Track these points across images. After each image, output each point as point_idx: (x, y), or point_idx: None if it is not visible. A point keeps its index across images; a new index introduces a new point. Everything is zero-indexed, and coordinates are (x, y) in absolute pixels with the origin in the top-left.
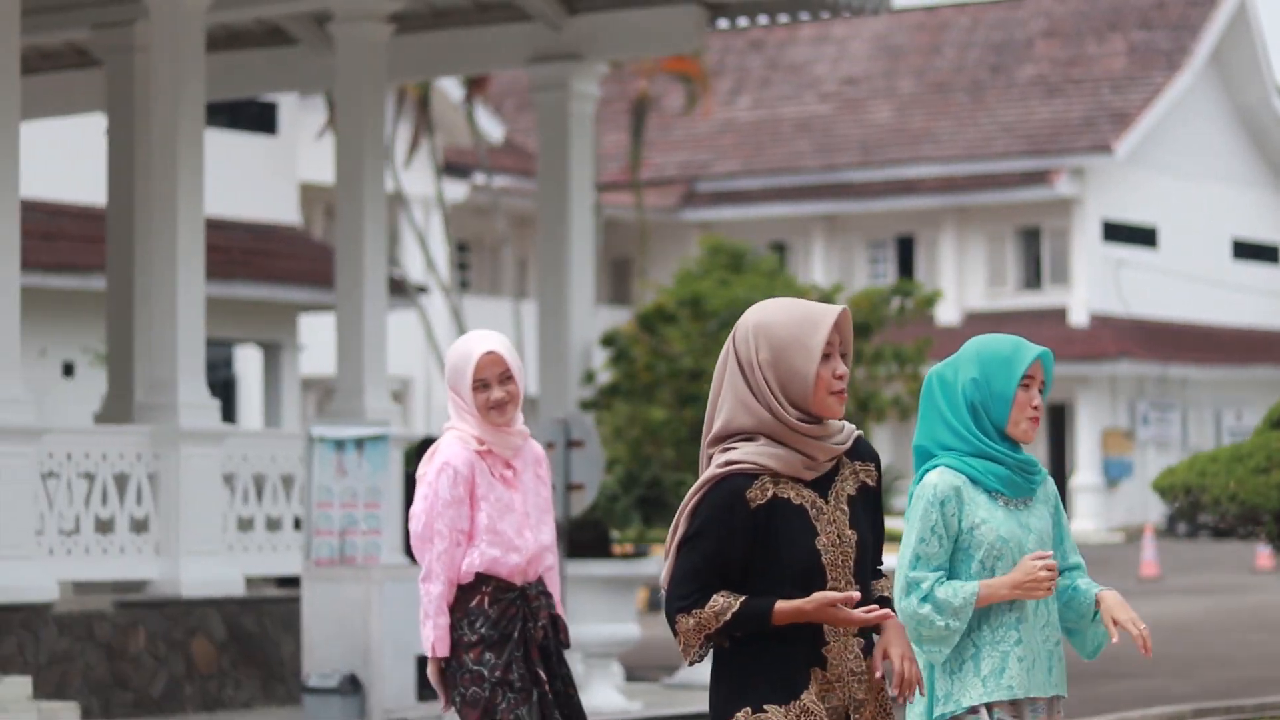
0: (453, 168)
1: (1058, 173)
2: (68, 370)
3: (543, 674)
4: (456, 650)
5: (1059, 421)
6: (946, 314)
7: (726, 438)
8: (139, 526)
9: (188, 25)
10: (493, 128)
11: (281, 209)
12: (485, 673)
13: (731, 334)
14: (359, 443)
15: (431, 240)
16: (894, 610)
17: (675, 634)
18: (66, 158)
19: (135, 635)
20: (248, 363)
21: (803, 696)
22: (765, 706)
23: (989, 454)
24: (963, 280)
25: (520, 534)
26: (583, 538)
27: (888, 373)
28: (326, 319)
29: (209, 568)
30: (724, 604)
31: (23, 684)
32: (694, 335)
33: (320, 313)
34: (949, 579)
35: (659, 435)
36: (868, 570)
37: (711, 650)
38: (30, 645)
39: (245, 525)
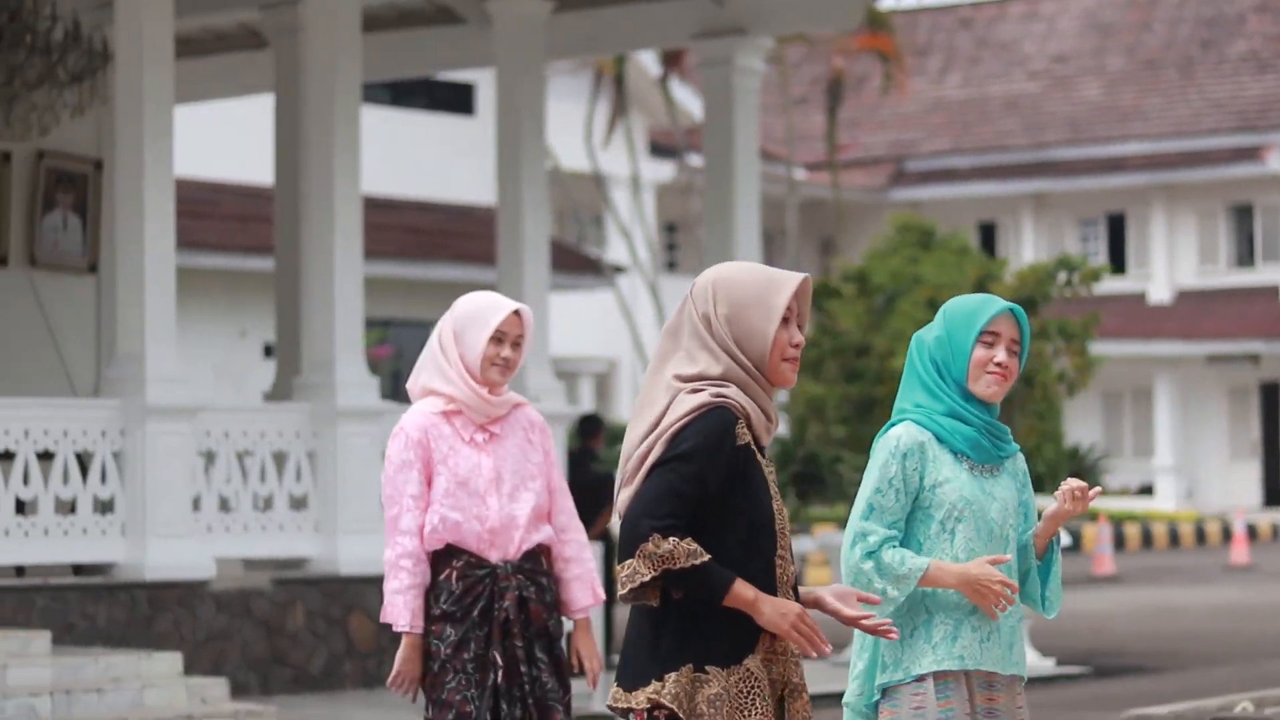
0: (660, 148)
1: (1269, 149)
2: (268, 351)
3: (499, 658)
4: (427, 621)
5: (1272, 401)
6: (1158, 293)
7: (696, 379)
8: (298, 504)
9: (345, 4)
10: (694, 105)
11: (481, 190)
12: (440, 647)
13: (687, 292)
14: None
15: (636, 221)
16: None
17: (630, 555)
18: (268, 140)
19: (294, 612)
20: None
21: (746, 661)
22: (707, 667)
23: (959, 414)
24: (1174, 258)
25: (484, 500)
26: None
27: (1055, 349)
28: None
29: (368, 545)
30: (697, 551)
31: (173, 660)
32: (860, 311)
33: None
34: (903, 542)
35: (823, 411)
36: (791, 549)
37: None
38: (187, 622)
39: None
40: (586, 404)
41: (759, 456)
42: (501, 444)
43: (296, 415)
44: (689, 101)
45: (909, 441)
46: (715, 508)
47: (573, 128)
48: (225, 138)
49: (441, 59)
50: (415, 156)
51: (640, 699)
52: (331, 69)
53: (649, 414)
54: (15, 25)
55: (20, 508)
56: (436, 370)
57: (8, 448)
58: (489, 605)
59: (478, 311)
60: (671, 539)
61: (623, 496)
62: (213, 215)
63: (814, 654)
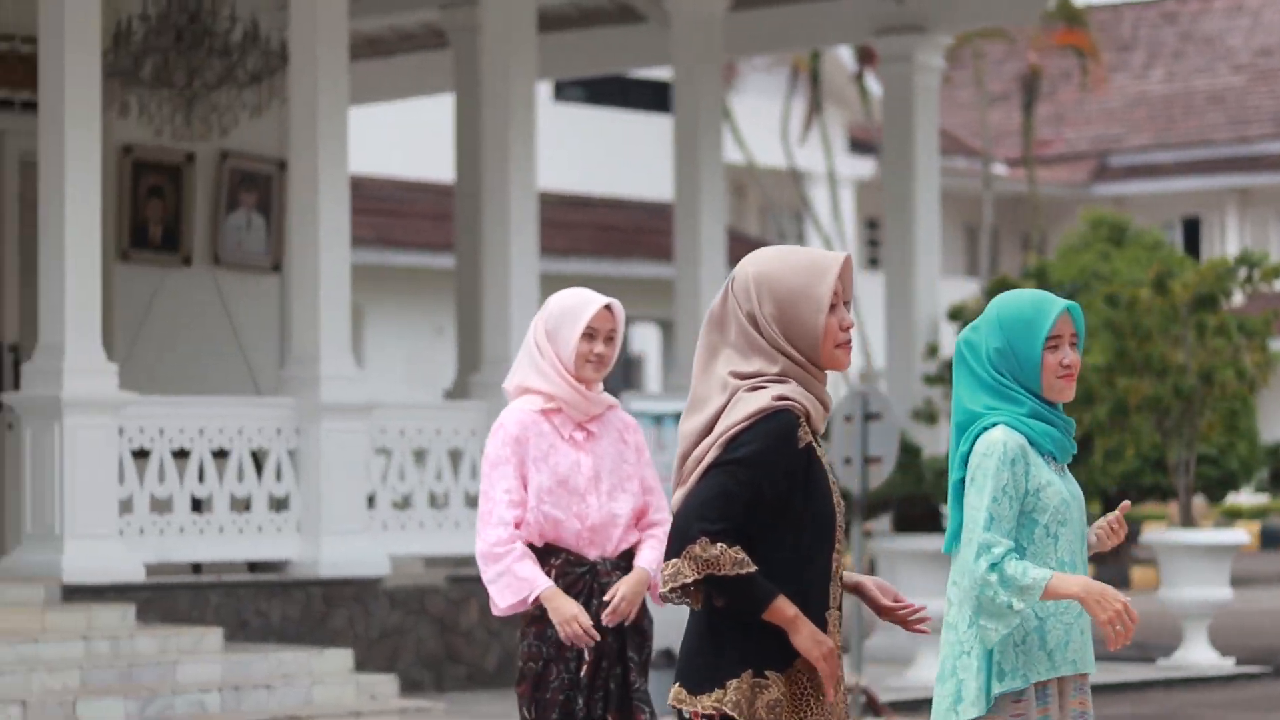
0: (858, 143)
1: None
2: None
3: (586, 654)
4: (522, 624)
5: None
6: None
7: (753, 376)
8: (472, 501)
9: (521, 3)
10: None
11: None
12: (542, 648)
13: (727, 285)
14: (679, 417)
15: (834, 218)
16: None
17: (677, 554)
18: None
19: (468, 610)
20: (647, 341)
21: (797, 660)
22: (766, 672)
23: (1042, 415)
24: None
25: (584, 498)
26: (912, 512)
27: (1235, 346)
28: None
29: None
30: (745, 560)
31: (344, 656)
32: None
33: None
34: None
35: None
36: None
37: (687, 605)
38: (360, 619)
39: None
40: None
41: (818, 451)
42: (599, 443)
43: (473, 413)
44: None
45: (1014, 446)
46: (773, 512)
47: (770, 124)
48: (423, 136)
49: (624, 57)
50: (611, 154)
51: (705, 704)
52: (507, 68)
53: (705, 411)
54: (195, 27)
55: (196, 505)
56: (533, 368)
57: (183, 446)
58: (588, 602)
59: (570, 308)
60: (720, 545)
61: (676, 496)
62: (409, 213)
63: (825, 694)
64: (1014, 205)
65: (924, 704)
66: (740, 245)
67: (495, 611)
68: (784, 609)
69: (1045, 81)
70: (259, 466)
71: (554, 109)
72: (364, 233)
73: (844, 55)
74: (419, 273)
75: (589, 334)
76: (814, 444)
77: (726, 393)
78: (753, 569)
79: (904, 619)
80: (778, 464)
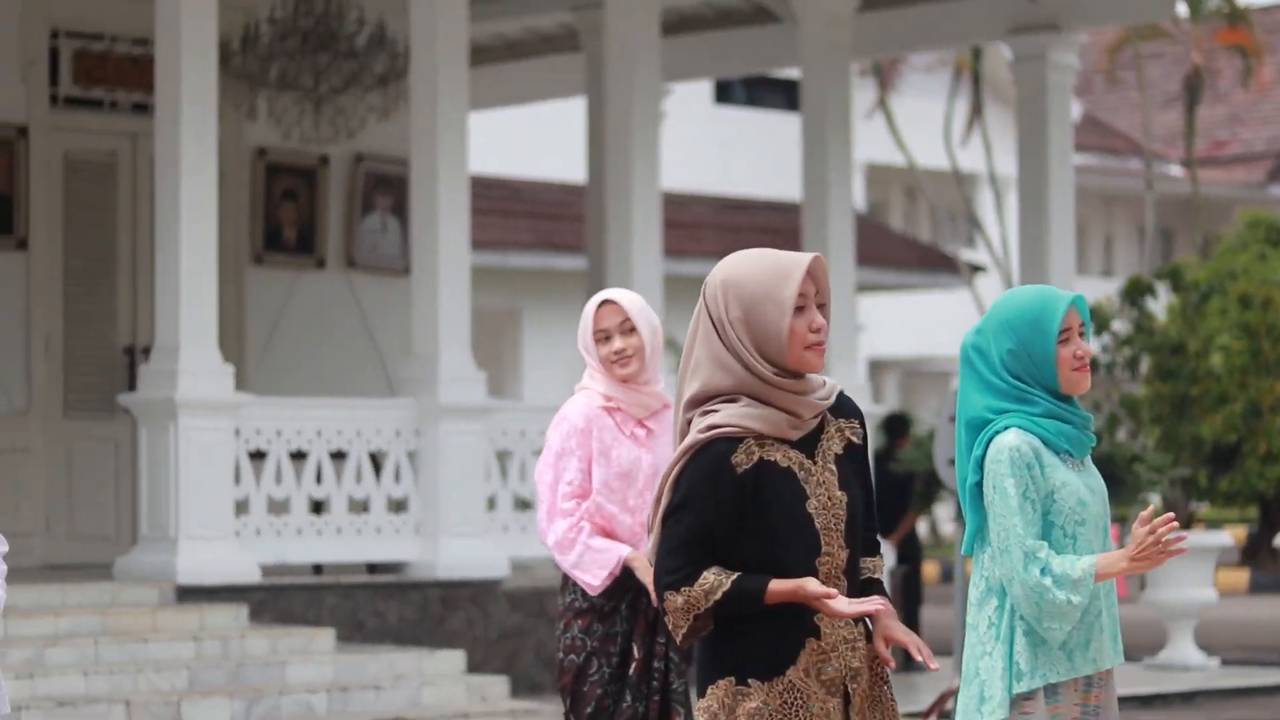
0: None
1: None
2: None
3: (637, 650)
4: (567, 615)
5: None
6: None
7: (706, 400)
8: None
9: (645, 4)
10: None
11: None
12: (586, 640)
13: (701, 291)
14: None
15: (1003, 219)
16: (885, 593)
17: (663, 612)
18: None
19: None
20: None
21: (789, 672)
22: (749, 680)
23: (1056, 414)
24: None
25: (642, 494)
26: None
27: None
28: (886, 299)
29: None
30: (714, 582)
31: (456, 658)
32: (1175, 308)
33: (880, 293)
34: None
35: (1136, 411)
36: (858, 535)
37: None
38: (479, 621)
39: None
40: (893, 403)
41: (784, 464)
42: (658, 440)
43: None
44: None
45: (1027, 451)
46: (737, 534)
47: (932, 126)
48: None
49: (757, 58)
50: (772, 156)
51: (699, 707)
52: (631, 69)
53: (676, 448)
54: (321, 29)
55: (316, 507)
56: (588, 372)
57: (300, 447)
58: (635, 599)
59: (583, 317)
60: (684, 590)
61: (650, 542)
62: (567, 216)
63: (864, 610)
64: (1185, 206)
65: None
66: (913, 250)
67: (591, 591)
68: (780, 588)
69: (1221, 82)
70: (377, 468)
71: (715, 111)
72: (524, 237)
73: (1007, 54)
74: (578, 275)
75: (602, 336)
76: (767, 460)
77: (684, 424)
78: (726, 587)
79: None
80: (710, 498)
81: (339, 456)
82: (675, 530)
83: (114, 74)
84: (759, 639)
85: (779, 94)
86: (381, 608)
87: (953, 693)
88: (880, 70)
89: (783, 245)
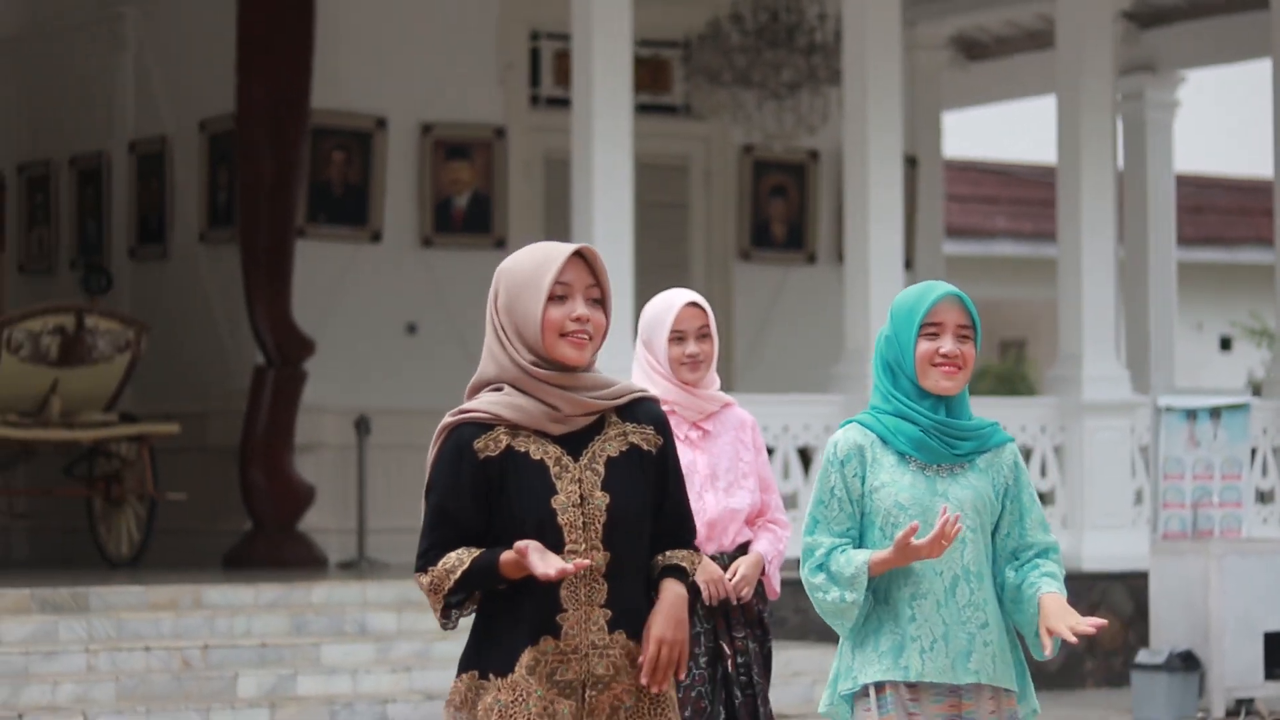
0: None
1: None
2: (1224, 344)
3: (726, 648)
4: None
5: None
6: None
7: (480, 388)
8: (1045, 500)
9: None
10: None
11: None
12: None
13: None
14: (1214, 412)
15: None
16: (687, 584)
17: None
18: (1221, 131)
19: None
20: None
21: (518, 669)
22: (489, 674)
23: (905, 414)
24: None
25: (700, 496)
26: None
27: None
28: None
29: (1113, 540)
30: (455, 561)
31: None
32: None
33: None
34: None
35: None
36: (630, 539)
37: (465, 613)
38: None
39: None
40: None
41: (537, 456)
42: (715, 441)
43: (1042, 410)
44: None
45: (846, 446)
46: (483, 519)
47: None
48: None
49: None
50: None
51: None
52: (1079, 62)
53: None
54: (775, 25)
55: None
56: (643, 374)
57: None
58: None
59: (657, 314)
60: (429, 569)
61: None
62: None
63: (570, 568)
64: None
65: None
66: None
67: None
68: (506, 567)
69: None
70: (806, 463)
71: None
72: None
73: None
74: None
75: (678, 337)
76: (518, 450)
77: None
78: (466, 564)
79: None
80: (452, 480)
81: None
82: (427, 511)
83: None
84: (500, 634)
85: None
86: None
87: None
88: None
89: None
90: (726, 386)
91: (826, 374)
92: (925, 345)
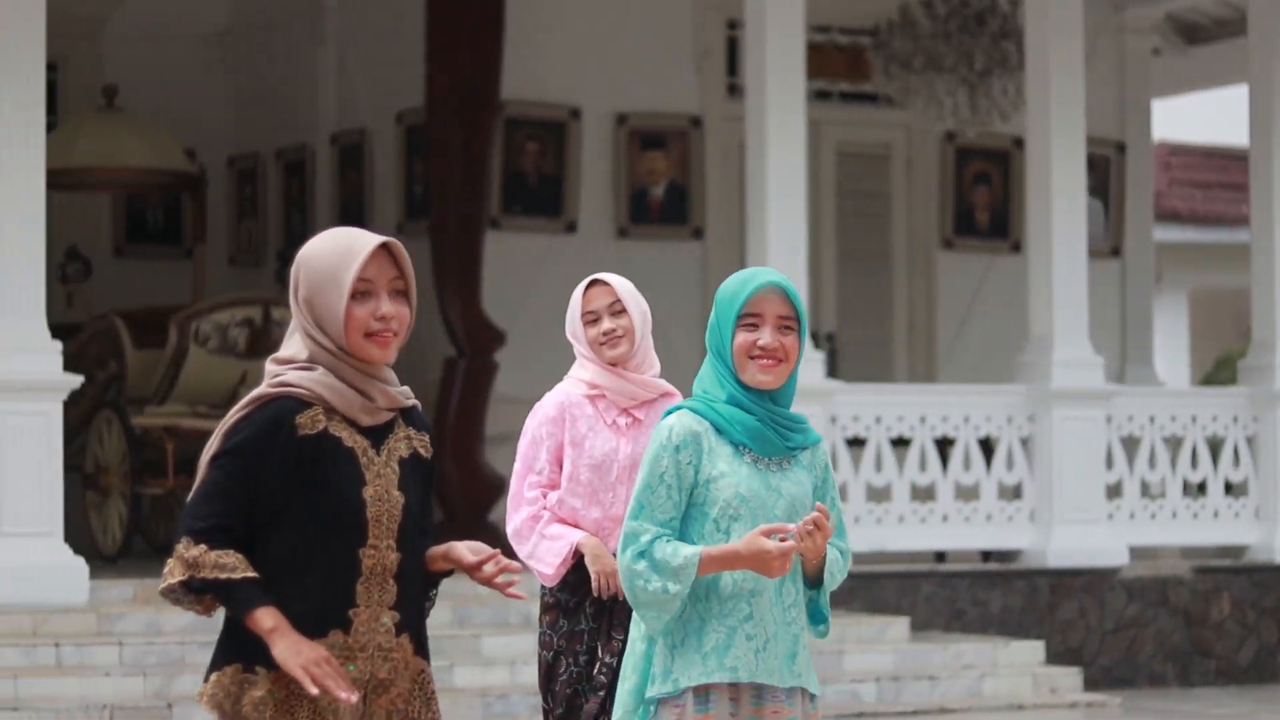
0: None
1: None
2: None
3: (600, 650)
4: (542, 611)
5: None
6: None
7: (287, 362)
8: (1238, 490)
9: None
10: None
11: None
12: (553, 637)
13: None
14: None
15: None
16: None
17: (173, 553)
18: None
19: (1218, 602)
20: None
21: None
22: (256, 668)
23: (740, 402)
24: None
25: (614, 488)
26: None
27: None
28: None
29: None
30: (230, 565)
31: (1033, 649)
32: None
33: None
34: (680, 538)
35: None
36: (414, 542)
37: (188, 605)
38: (1094, 611)
39: None
40: None
41: (349, 443)
42: (644, 431)
43: (1234, 400)
44: None
45: (682, 432)
46: (272, 505)
47: None
48: None
49: None
50: None
51: (201, 690)
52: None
53: None
54: (965, 11)
55: (927, 492)
56: (579, 364)
57: (901, 434)
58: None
59: (571, 302)
60: (203, 545)
61: (192, 491)
62: None
63: (342, 698)
64: None
65: None
66: None
67: (545, 582)
68: (262, 620)
69: None
70: (988, 454)
71: None
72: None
73: None
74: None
75: (592, 318)
76: (333, 434)
77: (268, 375)
78: (234, 575)
79: (490, 578)
80: (269, 453)
81: (947, 443)
82: (217, 477)
83: None
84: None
85: None
86: (983, 596)
87: None
88: None
89: None
90: (928, 375)
91: (1009, 364)
92: (743, 337)
